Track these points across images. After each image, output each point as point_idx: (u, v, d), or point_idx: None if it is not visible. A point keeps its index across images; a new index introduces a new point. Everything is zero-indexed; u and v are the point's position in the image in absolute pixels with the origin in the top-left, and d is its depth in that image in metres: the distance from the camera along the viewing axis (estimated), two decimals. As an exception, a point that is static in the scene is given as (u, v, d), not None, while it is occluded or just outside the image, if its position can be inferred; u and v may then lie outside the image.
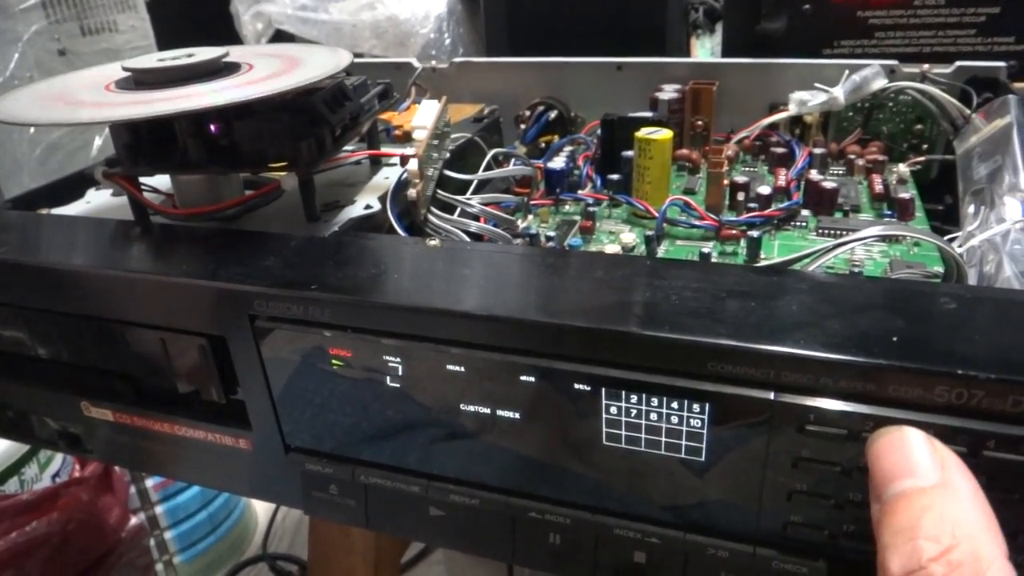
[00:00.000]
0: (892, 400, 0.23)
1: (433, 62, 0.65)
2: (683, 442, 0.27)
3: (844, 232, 0.43)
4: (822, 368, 0.23)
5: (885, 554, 0.20)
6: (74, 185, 0.47)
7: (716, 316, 0.25)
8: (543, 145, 0.60)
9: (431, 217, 0.39)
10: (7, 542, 0.64)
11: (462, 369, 0.29)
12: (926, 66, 0.52)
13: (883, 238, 0.39)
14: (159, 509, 0.95)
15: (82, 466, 0.79)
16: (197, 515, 1.01)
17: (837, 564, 0.26)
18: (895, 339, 0.24)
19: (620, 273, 0.29)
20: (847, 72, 0.52)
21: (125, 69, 0.36)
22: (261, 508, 1.19)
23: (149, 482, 0.94)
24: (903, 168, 0.51)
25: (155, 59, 0.36)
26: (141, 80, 0.36)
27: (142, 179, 0.38)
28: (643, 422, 0.27)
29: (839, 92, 0.52)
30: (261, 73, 0.37)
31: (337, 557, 0.69)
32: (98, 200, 0.45)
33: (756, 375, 0.24)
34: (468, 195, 0.43)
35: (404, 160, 0.38)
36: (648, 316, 0.26)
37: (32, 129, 0.79)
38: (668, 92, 0.56)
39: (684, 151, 0.55)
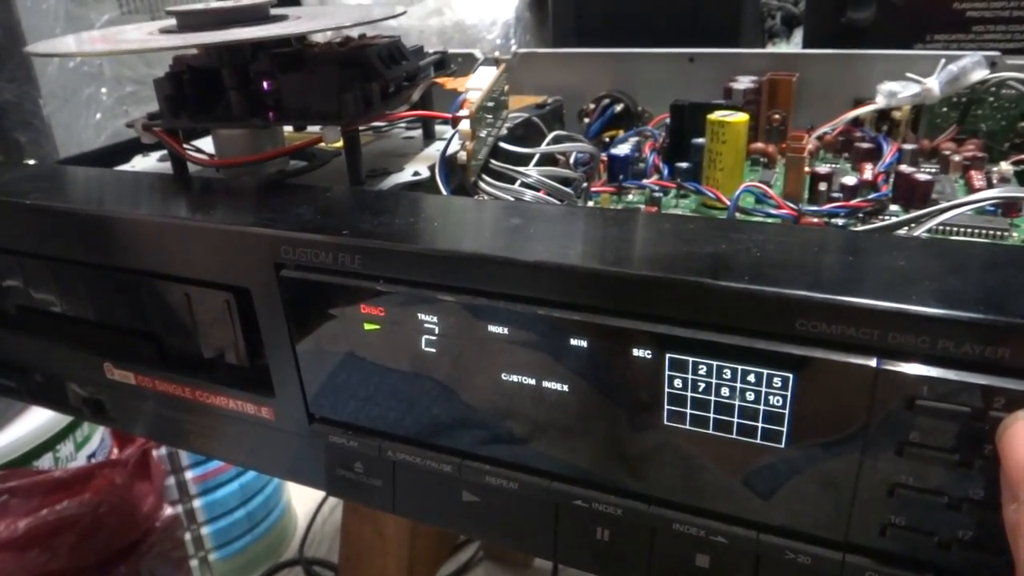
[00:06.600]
0: (1030, 371, 0.19)
1: (496, 52, 0.63)
2: (760, 424, 0.23)
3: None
4: (940, 328, 0.19)
5: None
6: (123, 151, 0.46)
7: (806, 268, 0.21)
8: (607, 140, 0.57)
9: (481, 184, 0.36)
10: (36, 519, 0.62)
11: (504, 330, 0.25)
12: (1034, 58, 0.47)
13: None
14: (197, 503, 0.93)
15: (120, 448, 0.78)
16: (235, 512, 0.99)
17: (947, 581, 0.22)
18: (1032, 298, 0.19)
19: (691, 226, 0.25)
20: (943, 61, 0.48)
21: (169, 13, 0.34)
22: (301, 510, 1.17)
23: (188, 474, 0.92)
24: (1006, 166, 0.46)
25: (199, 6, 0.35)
26: (187, 24, 0.34)
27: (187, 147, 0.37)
28: (712, 398, 0.23)
29: (933, 83, 0.48)
30: (310, 19, 0.35)
31: (370, 558, 0.65)
32: (143, 165, 0.43)
33: (856, 336, 0.20)
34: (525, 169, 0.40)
35: (456, 121, 0.36)
36: (723, 266, 0.22)
37: (99, 115, 0.80)
38: (744, 82, 0.52)
39: (759, 144, 0.51)
